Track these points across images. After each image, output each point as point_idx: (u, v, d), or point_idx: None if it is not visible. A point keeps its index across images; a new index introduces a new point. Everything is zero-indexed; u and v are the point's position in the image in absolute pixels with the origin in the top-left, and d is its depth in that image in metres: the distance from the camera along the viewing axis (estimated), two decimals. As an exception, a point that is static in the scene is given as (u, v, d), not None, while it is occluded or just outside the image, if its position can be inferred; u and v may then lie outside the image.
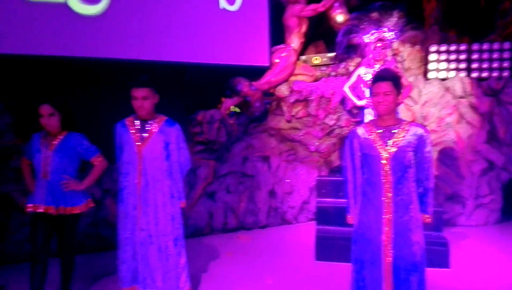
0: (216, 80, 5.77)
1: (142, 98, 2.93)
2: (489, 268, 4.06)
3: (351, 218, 2.73)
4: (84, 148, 3.18)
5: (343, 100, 5.64)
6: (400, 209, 2.48)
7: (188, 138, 5.28)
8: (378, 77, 2.51)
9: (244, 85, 5.63)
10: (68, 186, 3.07)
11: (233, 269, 4.13)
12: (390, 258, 2.49)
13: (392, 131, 2.50)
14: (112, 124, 3.18)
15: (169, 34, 5.27)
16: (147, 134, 3.02)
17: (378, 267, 2.51)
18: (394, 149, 2.46)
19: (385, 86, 2.44)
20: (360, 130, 2.60)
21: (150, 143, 3.01)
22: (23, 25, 4.56)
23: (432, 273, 3.86)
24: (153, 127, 3.04)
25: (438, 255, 4.06)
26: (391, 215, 2.48)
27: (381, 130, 2.51)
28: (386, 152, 2.48)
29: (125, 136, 3.05)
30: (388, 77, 2.47)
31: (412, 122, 2.61)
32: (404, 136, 2.48)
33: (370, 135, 2.54)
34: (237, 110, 5.86)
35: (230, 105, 5.72)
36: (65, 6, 4.68)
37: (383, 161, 2.48)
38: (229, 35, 5.65)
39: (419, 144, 2.49)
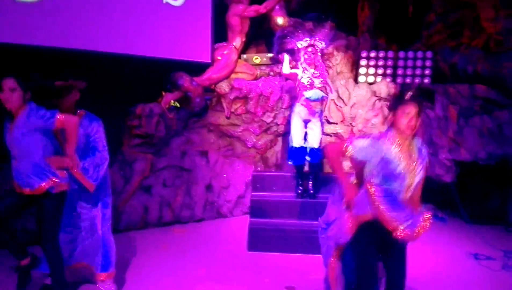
0: (157, 74, 5.77)
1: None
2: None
3: None
4: None
5: (281, 99, 5.90)
6: None
7: (125, 131, 5.31)
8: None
9: (185, 80, 5.70)
10: None
11: (165, 261, 4.22)
12: None
13: None
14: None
15: (109, 25, 5.22)
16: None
17: None
18: None
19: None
20: None
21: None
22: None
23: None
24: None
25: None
26: None
27: None
28: None
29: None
30: None
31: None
32: None
33: None
34: (177, 105, 5.92)
35: (170, 99, 5.76)
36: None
37: None
38: (172, 30, 5.70)
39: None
